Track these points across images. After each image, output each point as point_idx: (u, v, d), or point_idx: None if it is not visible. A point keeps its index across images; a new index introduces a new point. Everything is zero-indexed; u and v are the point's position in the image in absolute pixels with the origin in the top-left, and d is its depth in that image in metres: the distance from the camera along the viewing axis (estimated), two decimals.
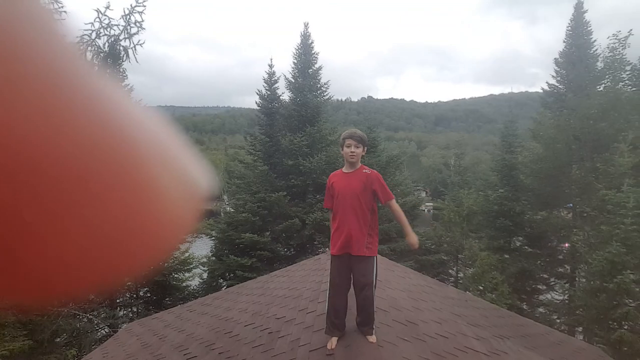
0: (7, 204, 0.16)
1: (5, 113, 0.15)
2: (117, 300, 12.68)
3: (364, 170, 2.88)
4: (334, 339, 2.92)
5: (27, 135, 0.16)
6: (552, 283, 16.60)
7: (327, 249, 11.58)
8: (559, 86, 18.90)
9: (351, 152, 2.83)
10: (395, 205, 2.88)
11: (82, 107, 0.18)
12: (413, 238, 2.86)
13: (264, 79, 17.19)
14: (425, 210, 43.59)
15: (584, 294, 11.63)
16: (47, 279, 0.18)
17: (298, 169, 15.48)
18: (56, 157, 0.17)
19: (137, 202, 0.20)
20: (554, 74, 19.07)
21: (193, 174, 0.24)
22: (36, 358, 8.96)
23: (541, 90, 20.04)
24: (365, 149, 2.93)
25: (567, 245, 16.41)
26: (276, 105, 17.34)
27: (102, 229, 0.18)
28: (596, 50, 17.96)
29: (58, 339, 9.98)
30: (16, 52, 0.16)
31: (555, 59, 19.07)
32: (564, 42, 18.77)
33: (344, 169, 2.94)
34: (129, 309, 13.12)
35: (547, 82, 19.40)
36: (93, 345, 10.06)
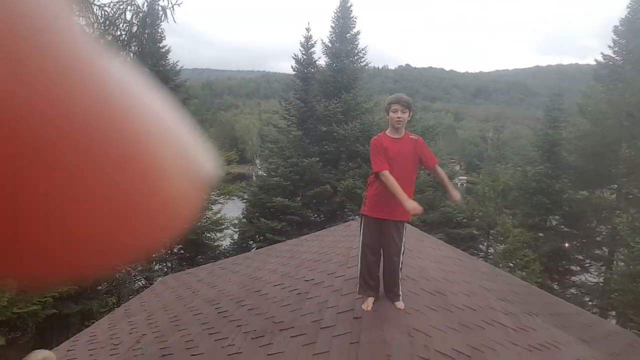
0: (17, 182, 0.16)
1: (12, 87, 0.15)
2: (153, 255, 13.35)
3: (411, 137, 2.86)
4: (370, 300, 2.93)
5: (37, 111, 0.16)
6: (587, 265, 16.08)
7: (357, 217, 11.59)
8: (616, 57, 17.47)
9: (397, 117, 2.78)
10: (439, 168, 2.96)
11: (89, 86, 0.18)
12: (457, 195, 2.94)
13: (301, 43, 16.90)
14: (459, 184, 42.70)
15: (622, 277, 11.22)
16: (53, 257, 0.18)
17: (332, 135, 15.38)
18: (64, 134, 0.17)
19: (144, 183, 0.20)
20: (612, 44, 17.62)
21: (198, 157, 0.24)
22: (81, 302, 9.65)
23: (594, 62, 18.65)
24: (411, 114, 2.86)
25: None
26: (312, 70, 17.09)
27: (110, 208, 0.19)
28: None
29: (99, 287, 10.67)
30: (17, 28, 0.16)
31: (615, 26, 17.53)
32: (628, 7, 17.17)
33: (390, 134, 2.85)
34: (164, 264, 13.81)
35: (601, 53, 17.99)
36: (131, 295, 10.72)
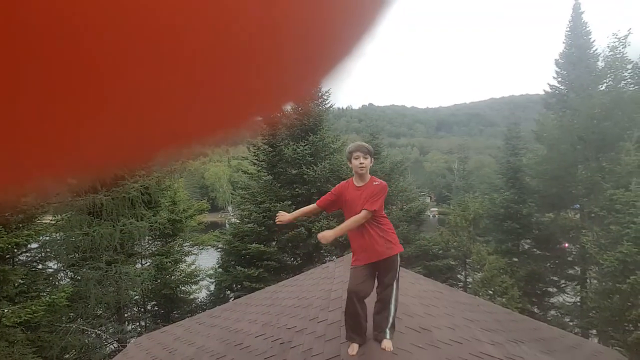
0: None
1: None
2: (125, 315, 12.64)
3: (374, 183, 2.91)
4: (355, 345, 2.88)
5: None
6: (563, 285, 16.41)
7: (334, 258, 11.50)
8: (561, 87, 18.89)
9: (360, 163, 2.87)
10: (362, 214, 2.78)
11: None
12: (328, 233, 2.72)
13: None
14: (431, 215, 43.39)
15: (596, 295, 11.48)
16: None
17: (302, 177, 15.46)
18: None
19: None
20: (555, 75, 19.08)
21: None
22: None
23: (542, 92, 20.03)
24: (372, 160, 2.97)
25: (566, 245, 16.26)
26: (278, 114, 17.36)
27: None
28: (596, 50, 17.99)
29: (67, 356, 9.93)
30: None
31: (555, 59, 19.11)
32: (564, 42, 18.83)
33: (355, 182, 2.95)
34: (137, 323, 13.08)
35: (548, 84, 19.42)
36: None
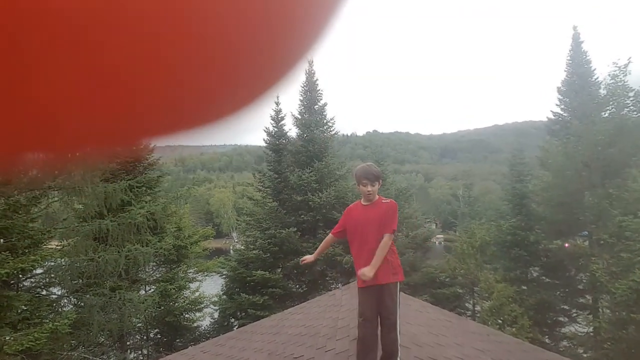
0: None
1: None
2: (127, 343, 12.44)
3: (383, 201, 2.97)
4: None
5: None
6: (574, 315, 16.00)
7: (339, 285, 11.37)
8: (564, 114, 19.07)
9: (368, 190, 2.93)
10: (386, 238, 2.80)
11: None
12: (368, 272, 2.70)
13: (271, 116, 17.56)
14: (437, 242, 42.96)
15: (610, 326, 11.18)
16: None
17: (307, 204, 15.47)
18: None
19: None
20: (558, 102, 19.29)
21: None
22: None
23: (546, 119, 20.20)
24: (380, 183, 3.03)
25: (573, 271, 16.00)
26: (284, 141, 17.60)
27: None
28: (597, 78, 18.25)
29: None
30: None
31: (557, 87, 19.36)
32: (565, 71, 19.12)
33: (363, 202, 3.03)
34: (139, 352, 12.86)
35: (551, 111, 19.61)
36: None
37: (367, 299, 2.86)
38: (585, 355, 13.86)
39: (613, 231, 12.45)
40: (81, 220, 9.88)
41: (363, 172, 2.97)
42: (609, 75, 16.02)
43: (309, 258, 3.35)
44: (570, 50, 19.06)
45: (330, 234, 3.28)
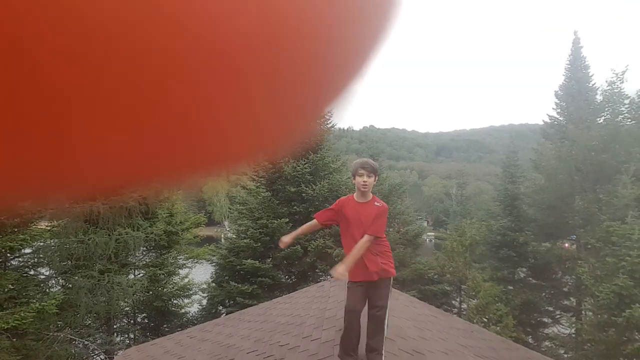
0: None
1: None
2: (114, 326, 12.45)
3: (376, 204, 2.94)
4: None
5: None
6: (558, 316, 16.25)
7: (329, 277, 11.44)
8: (560, 118, 19.17)
9: (363, 181, 2.89)
10: (365, 238, 2.77)
11: None
12: (341, 269, 2.63)
13: None
14: (427, 239, 43.27)
15: (591, 328, 11.37)
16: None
17: (301, 196, 15.48)
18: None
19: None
20: (554, 106, 19.39)
21: None
22: None
23: (542, 122, 20.31)
24: (377, 178, 2.99)
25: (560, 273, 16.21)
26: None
27: None
28: (594, 84, 18.36)
29: None
30: None
31: (555, 91, 19.44)
32: (563, 75, 19.19)
33: (357, 197, 2.99)
34: (126, 335, 12.87)
35: (547, 114, 19.72)
36: None
37: (357, 292, 2.88)
38: (566, 355, 14.11)
39: (600, 236, 12.62)
40: (72, 201, 9.79)
41: (360, 163, 2.96)
42: (606, 81, 16.14)
43: (286, 239, 3.13)
44: (569, 55, 19.13)
45: (315, 219, 3.16)
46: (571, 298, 16.14)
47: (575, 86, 18.53)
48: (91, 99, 0.17)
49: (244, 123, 0.21)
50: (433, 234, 53.28)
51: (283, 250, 14.58)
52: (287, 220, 15.09)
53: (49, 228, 10.14)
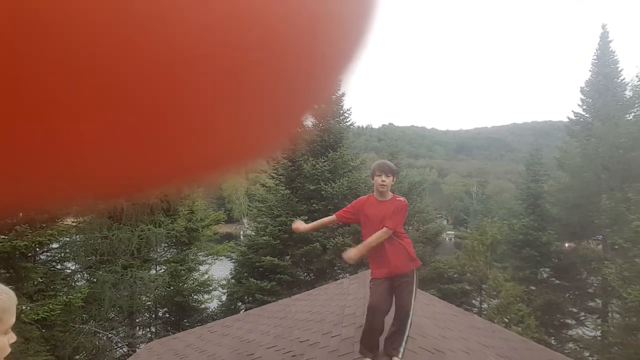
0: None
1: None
2: (137, 320, 12.74)
3: (397, 199, 2.98)
4: None
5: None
6: (582, 318, 15.83)
7: (347, 274, 11.43)
8: (585, 115, 18.61)
9: (382, 181, 2.94)
10: (384, 230, 2.82)
11: None
12: (352, 252, 2.80)
13: None
14: (447, 238, 42.79)
15: (619, 331, 11.05)
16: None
17: (320, 193, 15.50)
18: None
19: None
20: (580, 103, 18.83)
21: None
22: None
23: (566, 119, 19.77)
24: (395, 179, 3.02)
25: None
26: (299, 129, 17.59)
27: None
28: (624, 79, 17.73)
29: (78, 356, 10.04)
30: None
31: (581, 87, 18.87)
32: (590, 70, 18.61)
33: (376, 196, 3.02)
34: (148, 329, 13.16)
35: (572, 111, 19.17)
36: None
37: (381, 289, 2.87)
38: (591, 358, 13.75)
39: (629, 236, 12.22)
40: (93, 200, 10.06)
41: (378, 165, 3.03)
42: (637, 76, 15.59)
43: (301, 225, 3.20)
44: (597, 50, 18.52)
45: (334, 215, 3.23)
46: (597, 299, 15.71)
47: (603, 82, 17.93)
48: (100, 104, 0.17)
49: (233, 126, 0.21)
50: (453, 232, 52.59)
51: (302, 247, 14.66)
52: (307, 217, 15.11)
53: (74, 224, 10.44)
